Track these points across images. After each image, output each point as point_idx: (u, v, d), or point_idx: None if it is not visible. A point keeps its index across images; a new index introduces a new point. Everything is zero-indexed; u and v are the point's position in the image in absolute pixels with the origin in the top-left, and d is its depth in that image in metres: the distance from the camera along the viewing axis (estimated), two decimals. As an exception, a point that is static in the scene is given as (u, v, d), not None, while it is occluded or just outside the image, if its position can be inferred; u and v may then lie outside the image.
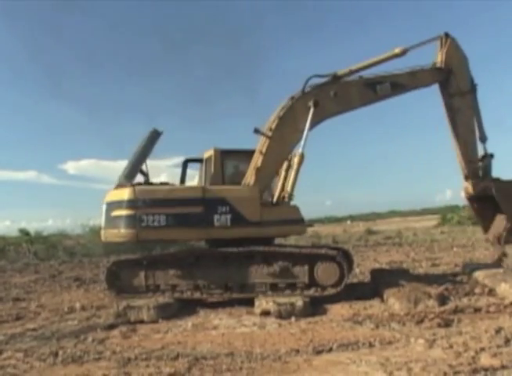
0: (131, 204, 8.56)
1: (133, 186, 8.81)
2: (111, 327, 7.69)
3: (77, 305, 9.63)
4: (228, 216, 8.76)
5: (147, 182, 9.46)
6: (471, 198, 9.87)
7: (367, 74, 9.70)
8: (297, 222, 9.13)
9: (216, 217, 8.73)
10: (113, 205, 8.83)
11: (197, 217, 8.69)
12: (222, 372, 5.15)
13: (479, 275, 9.29)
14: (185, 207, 8.71)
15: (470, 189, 9.67)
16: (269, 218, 8.90)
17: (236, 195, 8.96)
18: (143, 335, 7.12)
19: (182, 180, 10.24)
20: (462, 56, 9.83)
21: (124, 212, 8.61)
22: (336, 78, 9.46)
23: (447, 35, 9.77)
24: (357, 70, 9.57)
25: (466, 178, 9.82)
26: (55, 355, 6.13)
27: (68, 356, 6.04)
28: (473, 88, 9.85)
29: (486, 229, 9.97)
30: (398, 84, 9.64)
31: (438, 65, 9.80)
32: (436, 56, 9.91)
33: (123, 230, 8.60)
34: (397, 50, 9.45)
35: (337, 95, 9.24)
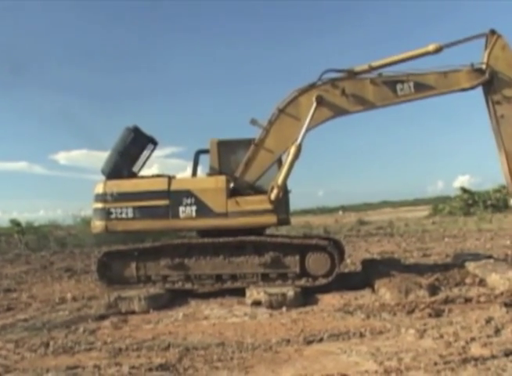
0: (102, 197, 9.06)
1: (105, 180, 9.26)
2: (102, 317, 7.69)
3: (69, 295, 9.61)
4: (194, 207, 8.81)
5: (135, 176, 9.65)
6: None
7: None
8: (266, 212, 8.78)
9: (181, 209, 8.82)
10: (94, 198, 9.30)
11: (163, 209, 8.87)
12: (213, 362, 5.16)
13: (470, 265, 9.34)
14: (150, 199, 8.91)
15: None
16: (235, 208, 8.78)
17: (201, 186, 8.98)
18: (134, 326, 7.12)
19: (194, 172, 9.78)
20: (510, 56, 8.45)
21: (97, 205, 9.16)
22: (352, 74, 8.79)
23: (493, 32, 8.50)
24: (378, 67, 8.74)
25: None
26: (46, 345, 6.13)
27: (59, 347, 6.03)
28: None
29: None
30: (423, 85, 8.61)
31: (478, 66, 8.55)
32: (482, 56, 8.63)
33: (97, 222, 9.17)
34: (430, 47, 8.42)
35: (346, 92, 8.64)
